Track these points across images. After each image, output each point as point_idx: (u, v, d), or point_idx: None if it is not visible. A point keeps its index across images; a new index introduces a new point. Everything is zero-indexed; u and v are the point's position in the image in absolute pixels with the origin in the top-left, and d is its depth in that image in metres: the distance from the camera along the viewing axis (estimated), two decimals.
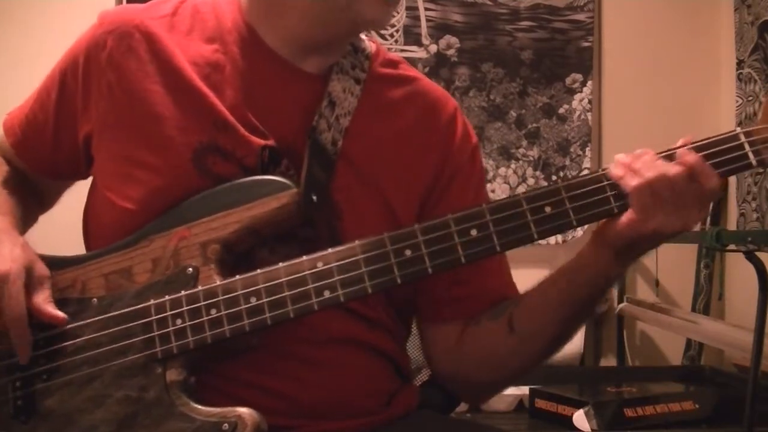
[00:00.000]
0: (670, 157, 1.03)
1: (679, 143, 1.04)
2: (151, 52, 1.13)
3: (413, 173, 1.18)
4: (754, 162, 1.03)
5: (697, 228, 2.94)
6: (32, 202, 1.25)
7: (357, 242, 1.04)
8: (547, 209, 1.04)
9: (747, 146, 1.03)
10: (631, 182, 1.02)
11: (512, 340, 1.16)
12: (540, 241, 3.31)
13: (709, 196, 1.03)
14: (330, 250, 1.04)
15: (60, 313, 1.07)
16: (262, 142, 1.11)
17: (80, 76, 1.16)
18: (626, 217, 1.03)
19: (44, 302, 1.07)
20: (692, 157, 1.02)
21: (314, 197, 1.08)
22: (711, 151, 1.03)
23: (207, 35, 1.16)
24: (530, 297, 1.17)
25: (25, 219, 1.19)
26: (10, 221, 1.15)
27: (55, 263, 1.11)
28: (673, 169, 1.01)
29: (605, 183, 1.04)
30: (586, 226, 1.07)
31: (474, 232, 1.03)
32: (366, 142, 1.16)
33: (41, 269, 1.09)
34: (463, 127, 1.24)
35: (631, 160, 1.03)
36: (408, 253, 1.03)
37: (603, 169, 1.05)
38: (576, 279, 1.11)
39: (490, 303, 1.19)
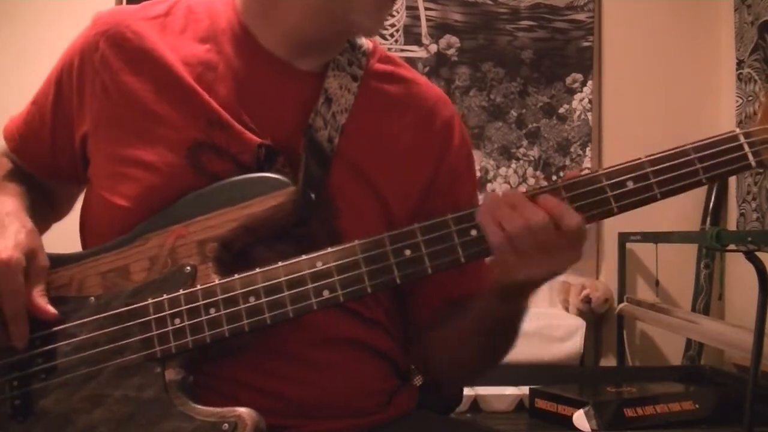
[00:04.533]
0: (533, 198, 1.00)
1: (558, 182, 1.02)
2: (143, 52, 1.14)
3: (410, 172, 1.18)
4: (753, 163, 1.02)
5: (697, 228, 2.95)
6: (41, 198, 1.24)
7: (356, 242, 1.03)
8: None
9: (746, 147, 1.02)
10: (493, 239, 0.99)
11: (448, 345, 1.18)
12: None
13: (577, 237, 0.99)
14: (329, 250, 1.03)
15: (50, 309, 1.07)
16: (258, 139, 1.11)
17: (75, 78, 1.16)
18: (494, 265, 1.02)
19: (37, 295, 1.07)
20: (551, 203, 0.98)
21: (312, 195, 1.08)
22: (715, 150, 1.01)
23: (200, 35, 1.16)
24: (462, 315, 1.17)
25: (34, 210, 1.19)
26: (20, 205, 1.15)
27: (52, 261, 1.11)
28: (534, 217, 0.97)
29: (605, 183, 1.01)
30: (587, 227, 1.05)
31: (474, 232, 1.02)
32: (363, 140, 1.16)
33: (42, 260, 1.09)
34: (460, 130, 1.24)
35: (496, 210, 0.99)
36: (408, 253, 1.02)
37: (603, 170, 1.04)
38: (483, 313, 1.11)
39: (447, 306, 1.19)
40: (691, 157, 1.02)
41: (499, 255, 0.99)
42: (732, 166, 1.02)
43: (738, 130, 1.03)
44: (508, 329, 1.13)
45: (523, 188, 2.96)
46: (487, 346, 1.16)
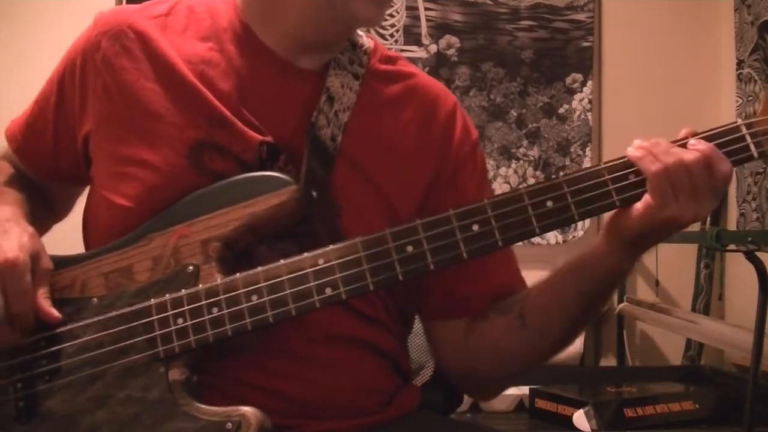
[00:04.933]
0: (682, 146, 1.03)
1: (682, 134, 1.04)
2: (144, 51, 1.14)
3: (414, 169, 1.18)
4: (755, 154, 1.03)
5: (697, 228, 2.95)
6: (39, 203, 1.24)
7: (358, 239, 1.03)
8: (549, 204, 1.03)
9: (748, 138, 1.02)
10: (651, 167, 1.01)
11: (523, 335, 1.15)
12: (540, 241, 3.29)
13: (722, 183, 1.02)
14: (331, 247, 1.03)
15: (54, 312, 1.06)
16: (260, 137, 1.11)
17: (77, 78, 1.16)
18: (642, 204, 1.02)
19: (42, 297, 1.07)
20: (705, 146, 1.02)
21: (314, 193, 1.08)
22: (716, 142, 1.02)
23: (202, 34, 1.16)
24: (541, 291, 1.16)
25: (34, 217, 1.19)
26: (19, 211, 1.15)
27: (54, 262, 1.10)
28: (689, 155, 1.01)
29: (607, 177, 1.03)
30: (587, 227, 1.06)
31: (476, 228, 1.02)
32: (365, 138, 1.16)
33: (46, 262, 1.09)
34: (462, 122, 1.24)
35: (651, 145, 1.03)
36: (410, 249, 1.02)
37: (605, 163, 1.05)
38: (586, 273, 1.11)
39: (497, 298, 1.19)
40: None
41: (656, 184, 1.01)
42: (734, 158, 1.03)
43: (740, 121, 1.03)
44: (606, 294, 1.14)
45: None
46: (579, 313, 1.14)
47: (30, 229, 1.12)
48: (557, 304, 1.13)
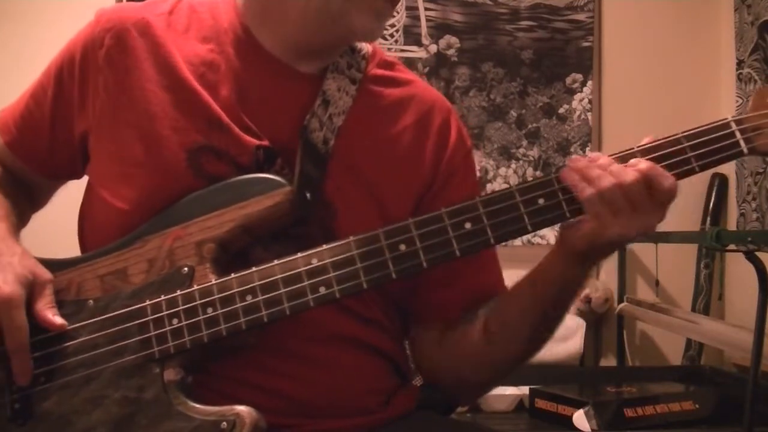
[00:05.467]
0: (624, 158, 1.02)
1: (645, 141, 1.04)
2: (147, 50, 1.14)
3: (408, 174, 1.18)
4: (745, 150, 1.03)
5: (697, 228, 2.95)
6: (24, 202, 1.24)
7: (351, 238, 1.03)
8: (541, 201, 1.03)
9: (738, 134, 1.02)
10: (584, 193, 1.01)
11: (487, 345, 1.16)
12: (540, 241, 3.28)
13: (667, 198, 1.01)
14: (324, 247, 1.04)
15: (58, 320, 1.06)
16: (256, 141, 1.11)
17: (77, 73, 1.16)
18: (585, 223, 1.03)
19: (44, 308, 1.07)
20: (645, 164, 1.01)
21: (308, 195, 1.08)
22: (707, 138, 1.02)
23: (203, 35, 1.16)
24: (503, 301, 1.17)
25: (20, 222, 1.19)
26: (6, 228, 1.15)
27: (50, 266, 1.11)
28: (627, 177, 1.00)
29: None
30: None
31: (468, 225, 1.03)
32: (360, 142, 1.16)
33: (42, 275, 1.09)
34: (457, 130, 1.24)
35: (586, 167, 1.02)
36: (403, 247, 1.03)
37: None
38: (542, 283, 1.11)
39: (471, 306, 1.19)
40: (683, 145, 1.03)
41: (591, 209, 1.01)
42: (724, 154, 1.03)
43: (729, 117, 1.03)
44: (566, 301, 1.13)
45: None
46: (539, 321, 1.14)
47: (19, 248, 1.11)
48: (518, 313, 1.14)
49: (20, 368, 1.05)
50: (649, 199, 1.00)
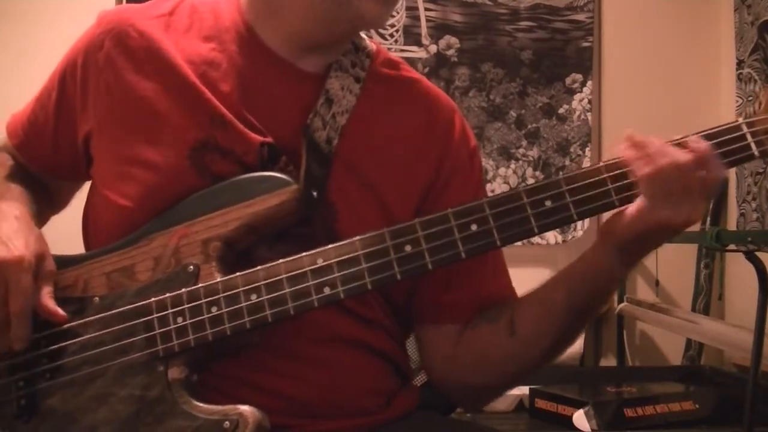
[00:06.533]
0: (679, 145, 1.02)
1: (690, 135, 1.03)
2: (147, 51, 1.14)
3: (410, 174, 1.18)
4: (756, 153, 1.02)
5: (697, 228, 2.95)
6: (43, 200, 1.25)
7: (357, 238, 1.03)
8: (548, 203, 1.03)
9: (749, 137, 1.01)
10: (643, 169, 1.00)
11: (513, 344, 1.15)
12: (540, 241, 3.29)
13: (713, 186, 1.02)
14: (330, 247, 1.03)
15: (60, 311, 1.07)
16: (261, 138, 1.11)
17: (79, 76, 1.16)
18: (635, 206, 1.01)
19: (46, 297, 1.07)
20: (703, 145, 1.01)
21: (314, 193, 1.08)
22: (717, 140, 1.02)
23: (204, 34, 1.16)
24: (532, 300, 1.16)
25: (39, 216, 1.19)
26: (27, 211, 1.16)
27: (57, 262, 1.11)
28: (683, 156, 1.00)
29: (605, 175, 1.03)
30: (586, 227, 1.06)
31: (474, 227, 1.02)
32: (363, 141, 1.16)
33: (50, 264, 1.10)
34: (461, 129, 1.23)
35: (644, 145, 1.02)
36: (408, 248, 1.02)
37: (604, 162, 1.05)
38: (580, 281, 1.10)
39: (487, 306, 1.18)
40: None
41: (648, 187, 1.00)
42: (735, 157, 1.02)
43: (741, 120, 1.02)
44: (600, 302, 1.13)
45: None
46: (571, 322, 1.13)
47: (36, 230, 1.12)
48: (548, 312, 1.13)
49: (18, 333, 1.05)
50: (700, 183, 1.00)
